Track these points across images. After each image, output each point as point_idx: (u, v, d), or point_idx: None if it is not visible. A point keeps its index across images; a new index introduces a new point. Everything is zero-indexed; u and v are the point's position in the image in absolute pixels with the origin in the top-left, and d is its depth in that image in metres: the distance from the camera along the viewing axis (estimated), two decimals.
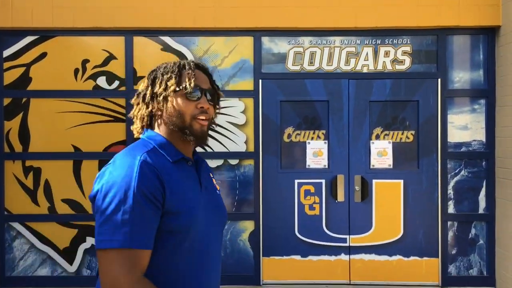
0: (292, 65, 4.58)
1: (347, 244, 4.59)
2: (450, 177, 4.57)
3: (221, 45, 4.58)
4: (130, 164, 1.34)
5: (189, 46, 4.57)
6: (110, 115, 4.57)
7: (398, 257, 4.58)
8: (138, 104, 1.55)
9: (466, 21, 4.46)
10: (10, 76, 4.56)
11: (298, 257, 4.60)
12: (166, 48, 4.57)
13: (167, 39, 4.56)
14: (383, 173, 4.58)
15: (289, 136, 4.62)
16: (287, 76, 4.58)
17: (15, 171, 4.57)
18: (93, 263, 4.57)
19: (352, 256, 4.59)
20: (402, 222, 4.57)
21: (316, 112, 4.62)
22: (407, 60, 4.55)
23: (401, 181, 4.57)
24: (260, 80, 4.56)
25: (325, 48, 4.57)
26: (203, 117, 1.49)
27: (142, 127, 1.54)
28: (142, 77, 4.56)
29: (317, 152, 4.61)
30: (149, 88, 1.51)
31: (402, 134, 4.60)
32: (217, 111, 1.58)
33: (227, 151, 4.57)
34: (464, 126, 4.58)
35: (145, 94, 1.51)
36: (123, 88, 4.56)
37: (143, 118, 1.53)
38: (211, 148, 4.58)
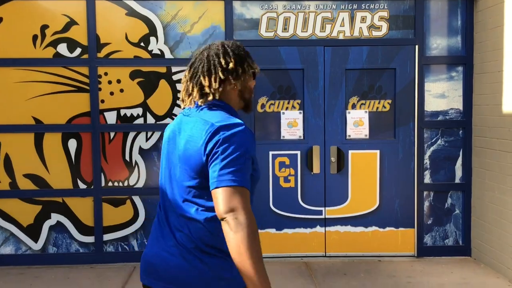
0: (266, 31, 4.37)
1: (322, 216, 4.49)
2: (426, 146, 4.48)
3: (190, 10, 4.33)
4: (243, 130, 1.64)
5: (155, 11, 4.30)
6: (72, 85, 4.31)
7: (374, 228, 4.51)
8: (223, 78, 1.73)
9: None
10: None
11: (273, 231, 4.49)
12: (131, 13, 4.29)
13: (133, 3, 4.28)
14: (359, 144, 4.46)
15: (262, 106, 4.45)
16: (260, 43, 4.38)
17: None
18: (59, 240, 4.37)
19: (327, 228, 4.50)
20: (378, 193, 4.49)
21: (290, 81, 4.44)
22: (384, 26, 4.39)
23: (378, 152, 4.47)
24: None
25: (299, 13, 4.37)
26: (253, 93, 1.87)
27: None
28: (106, 44, 4.30)
29: (292, 122, 4.46)
30: (239, 67, 1.74)
31: (379, 103, 4.48)
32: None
33: None
34: (441, 94, 4.47)
35: (233, 72, 1.73)
36: (85, 56, 4.29)
37: (220, 92, 1.75)
38: None
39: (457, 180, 4.50)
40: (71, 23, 4.26)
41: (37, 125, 4.29)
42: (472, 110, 4.44)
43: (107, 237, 4.41)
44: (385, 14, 4.38)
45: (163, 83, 4.35)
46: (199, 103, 1.72)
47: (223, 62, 1.73)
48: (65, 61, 4.28)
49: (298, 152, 4.45)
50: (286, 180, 4.46)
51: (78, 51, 4.29)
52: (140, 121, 4.37)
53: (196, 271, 1.62)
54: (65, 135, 4.33)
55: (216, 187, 1.54)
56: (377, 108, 4.47)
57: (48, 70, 4.27)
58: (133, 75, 4.33)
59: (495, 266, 4.11)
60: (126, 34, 4.31)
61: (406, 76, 4.43)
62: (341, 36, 4.39)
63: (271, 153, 4.44)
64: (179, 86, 4.36)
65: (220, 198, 1.53)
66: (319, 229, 4.50)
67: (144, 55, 4.33)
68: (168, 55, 4.34)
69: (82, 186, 4.37)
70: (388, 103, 4.47)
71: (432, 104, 4.46)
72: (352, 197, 4.48)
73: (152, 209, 4.41)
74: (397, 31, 4.41)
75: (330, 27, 4.38)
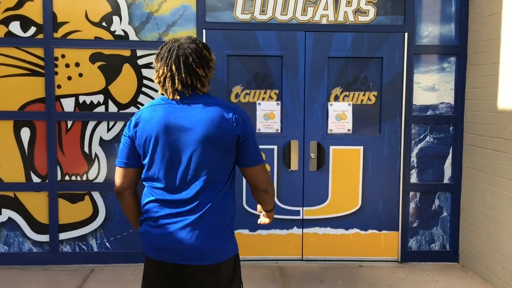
0: (241, 13, 3.96)
1: (300, 217, 4.14)
2: (414, 143, 4.14)
3: None
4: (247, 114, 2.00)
5: None
6: (25, 67, 3.88)
7: (355, 230, 4.17)
8: (210, 70, 1.96)
9: None
10: None
11: (246, 232, 4.13)
12: None
13: None
14: (341, 139, 4.10)
15: (237, 96, 4.06)
16: (235, 27, 3.98)
17: None
18: (10, 238, 3.97)
19: (305, 230, 4.15)
20: (360, 193, 4.14)
21: (268, 69, 4.05)
22: (371, 11, 4.01)
23: (361, 148, 4.11)
24: (204, 31, 3.95)
25: None
26: None
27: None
28: (64, 23, 3.87)
29: (268, 114, 4.08)
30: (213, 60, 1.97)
31: (364, 95, 4.11)
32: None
33: None
34: (431, 87, 4.11)
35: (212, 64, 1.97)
36: (40, 36, 3.86)
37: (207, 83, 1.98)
38: None
39: (445, 181, 4.16)
40: None
41: None
42: (464, 105, 4.10)
43: (63, 236, 4.02)
44: None
45: (127, 68, 3.94)
46: (198, 92, 1.90)
47: (207, 54, 1.94)
48: (18, 41, 3.84)
49: (275, 147, 4.07)
50: None
51: (32, 30, 3.86)
52: (101, 109, 3.96)
53: (213, 244, 1.89)
54: (17, 123, 3.91)
55: (256, 165, 1.94)
56: (362, 100, 4.11)
57: None
58: (93, 58, 3.91)
59: (484, 275, 3.79)
60: (86, 12, 3.88)
61: (393, 66, 4.06)
62: (324, 21, 4.00)
63: None
64: (145, 72, 3.95)
65: (261, 172, 1.95)
66: (296, 230, 4.15)
67: (106, 36, 3.91)
68: (132, 36, 3.92)
69: (35, 179, 3.97)
70: (373, 95, 4.11)
71: (421, 97, 4.11)
72: (332, 197, 4.13)
73: (113, 206, 4.03)
74: (386, 17, 4.03)
75: (313, 10, 3.98)
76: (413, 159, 4.15)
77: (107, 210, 4.03)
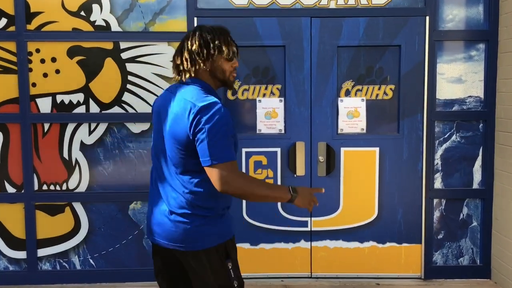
0: None
1: (308, 229, 3.65)
2: (438, 143, 3.61)
3: None
4: (220, 108, 1.87)
5: None
6: None
7: (371, 243, 3.67)
8: (189, 59, 1.98)
9: None
10: None
11: (246, 245, 3.66)
12: None
13: None
14: (354, 140, 3.60)
15: (234, 92, 3.59)
16: (231, 13, 3.50)
17: None
18: None
19: (314, 243, 3.66)
20: (376, 200, 3.63)
21: (269, 61, 3.57)
22: None
23: (377, 149, 3.60)
24: (196, 19, 3.48)
25: None
26: (235, 73, 2.09)
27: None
28: (38, 14, 3.44)
29: (270, 112, 3.60)
30: (204, 49, 1.96)
31: (379, 89, 3.60)
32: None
33: None
34: (457, 79, 3.59)
35: (199, 53, 1.96)
36: (12, 28, 3.43)
37: (193, 71, 1.99)
38: (133, 109, 3.52)
39: (475, 186, 3.63)
40: None
41: None
42: (495, 99, 3.56)
43: (42, 252, 3.59)
44: None
45: (109, 63, 3.49)
46: (183, 79, 1.99)
47: (189, 44, 1.97)
48: None
49: (278, 150, 3.59)
50: None
51: (2, 22, 3.44)
52: (81, 109, 3.52)
53: (186, 232, 1.95)
54: None
55: (210, 165, 1.84)
56: (377, 95, 3.60)
57: None
58: (71, 53, 3.48)
59: None
60: (62, 1, 3.44)
61: (413, 55, 3.54)
62: (332, 5, 3.51)
63: (244, 150, 3.58)
64: (130, 67, 3.50)
65: (215, 175, 1.84)
66: (303, 244, 3.66)
67: (86, 27, 3.47)
68: (115, 27, 3.47)
69: (10, 189, 3.55)
70: (390, 89, 3.60)
71: (446, 90, 3.58)
72: (344, 206, 3.63)
73: (97, 219, 3.59)
74: None
75: None
76: (437, 161, 3.62)
77: (90, 223, 3.59)
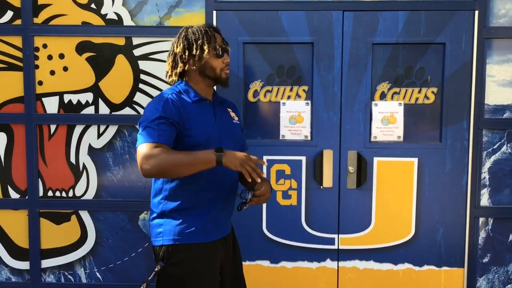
0: None
1: (335, 247, 3.28)
2: (485, 155, 3.19)
3: None
4: (159, 99, 2.04)
5: None
6: (0, 60, 3.23)
7: (407, 265, 3.27)
8: (174, 61, 2.15)
9: None
10: None
11: (266, 263, 3.31)
12: None
13: None
14: (389, 149, 3.20)
15: (255, 93, 3.25)
16: (254, 6, 3.16)
17: None
18: None
19: (341, 263, 3.28)
20: (414, 217, 3.23)
21: (295, 59, 3.21)
22: None
23: (415, 160, 3.20)
24: (215, 12, 3.16)
25: None
26: (227, 69, 2.16)
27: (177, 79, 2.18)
28: (45, 6, 3.19)
29: (295, 117, 3.24)
30: (186, 50, 2.08)
31: (419, 92, 3.20)
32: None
33: None
34: (509, 82, 3.16)
35: (182, 55, 2.09)
36: (18, 22, 3.19)
37: (180, 73, 2.14)
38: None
39: None
40: None
41: None
42: None
43: (46, 263, 3.34)
44: None
45: (121, 60, 3.21)
46: (170, 83, 2.20)
47: (174, 46, 2.13)
48: None
49: (303, 158, 3.23)
50: (286, 195, 3.25)
51: (8, 15, 3.20)
52: (90, 110, 3.24)
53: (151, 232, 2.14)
54: None
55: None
56: (417, 99, 3.20)
57: None
58: (81, 49, 3.21)
59: None
60: None
61: (459, 54, 3.13)
62: None
63: (265, 158, 3.24)
64: (142, 64, 3.20)
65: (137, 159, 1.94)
66: (329, 263, 3.29)
67: (96, 21, 3.19)
68: (127, 21, 3.18)
69: (13, 195, 3.31)
70: (432, 92, 3.19)
71: (496, 95, 3.16)
72: (376, 222, 3.25)
73: (105, 229, 3.31)
74: None
75: None
76: (485, 175, 3.20)
77: (97, 233, 3.31)
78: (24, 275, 3.36)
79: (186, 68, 2.11)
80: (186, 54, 2.08)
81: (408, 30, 3.13)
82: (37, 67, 3.22)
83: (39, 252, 3.32)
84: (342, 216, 3.25)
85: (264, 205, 3.26)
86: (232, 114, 2.32)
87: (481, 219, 3.23)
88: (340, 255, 3.29)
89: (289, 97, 3.24)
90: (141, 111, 3.22)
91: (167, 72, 2.18)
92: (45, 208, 3.30)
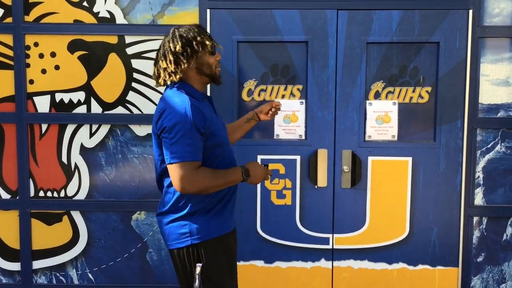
0: None
1: (329, 246, 3.26)
2: (480, 154, 3.19)
3: None
4: (181, 105, 2.01)
5: None
6: None
7: (401, 265, 3.26)
8: (173, 60, 2.07)
9: None
10: None
11: (260, 263, 3.29)
12: None
13: None
14: (383, 148, 3.20)
15: (250, 92, 3.23)
16: (248, 5, 3.15)
17: None
18: None
19: (336, 263, 3.27)
20: (408, 217, 3.23)
21: (289, 58, 3.20)
22: None
23: (409, 159, 3.20)
24: (208, 11, 3.13)
25: None
26: (219, 66, 2.22)
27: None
28: (36, 4, 3.15)
29: (289, 116, 3.23)
30: (187, 48, 2.05)
31: (413, 91, 3.20)
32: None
33: None
34: (503, 81, 3.16)
35: (184, 53, 2.06)
36: (8, 20, 3.15)
37: (180, 71, 2.09)
38: (138, 109, 3.20)
39: None
40: None
41: None
42: None
43: (37, 264, 3.30)
44: None
45: (113, 58, 3.17)
46: (168, 83, 2.12)
47: (172, 46, 2.07)
48: None
49: (297, 158, 3.21)
50: (280, 195, 3.24)
51: None
52: (82, 109, 3.21)
53: (165, 232, 2.14)
54: None
55: (168, 163, 1.99)
56: (411, 98, 3.20)
57: None
58: (72, 47, 3.17)
59: None
60: None
61: (453, 54, 3.13)
62: None
63: (259, 157, 3.22)
64: (135, 63, 3.17)
65: (171, 173, 1.99)
66: (324, 263, 3.27)
67: (88, 19, 3.16)
68: (120, 19, 3.15)
69: (4, 195, 3.26)
70: (426, 91, 3.19)
71: (490, 94, 3.16)
72: (371, 222, 3.24)
73: (97, 229, 3.27)
74: None
75: None
76: (479, 174, 3.20)
77: (89, 233, 3.28)
78: (15, 276, 3.32)
79: (187, 66, 2.07)
80: (188, 51, 2.05)
81: (402, 29, 3.13)
82: (28, 65, 3.18)
83: (30, 253, 3.28)
84: (337, 216, 3.24)
85: (259, 205, 3.24)
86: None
87: (475, 218, 3.23)
88: (335, 254, 3.28)
89: (283, 96, 3.22)
90: (135, 110, 3.20)
91: (169, 72, 2.08)
92: (36, 208, 3.26)
